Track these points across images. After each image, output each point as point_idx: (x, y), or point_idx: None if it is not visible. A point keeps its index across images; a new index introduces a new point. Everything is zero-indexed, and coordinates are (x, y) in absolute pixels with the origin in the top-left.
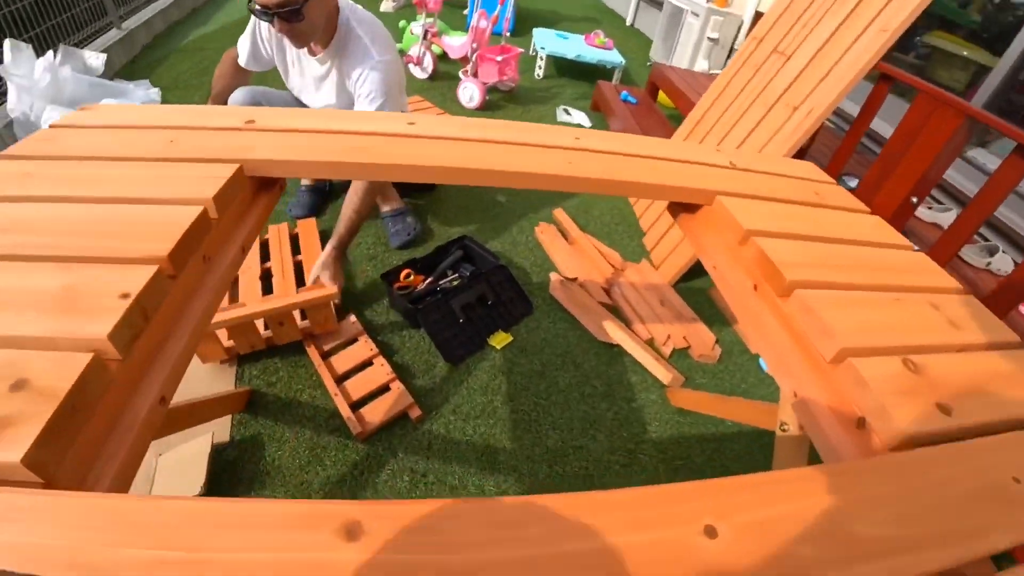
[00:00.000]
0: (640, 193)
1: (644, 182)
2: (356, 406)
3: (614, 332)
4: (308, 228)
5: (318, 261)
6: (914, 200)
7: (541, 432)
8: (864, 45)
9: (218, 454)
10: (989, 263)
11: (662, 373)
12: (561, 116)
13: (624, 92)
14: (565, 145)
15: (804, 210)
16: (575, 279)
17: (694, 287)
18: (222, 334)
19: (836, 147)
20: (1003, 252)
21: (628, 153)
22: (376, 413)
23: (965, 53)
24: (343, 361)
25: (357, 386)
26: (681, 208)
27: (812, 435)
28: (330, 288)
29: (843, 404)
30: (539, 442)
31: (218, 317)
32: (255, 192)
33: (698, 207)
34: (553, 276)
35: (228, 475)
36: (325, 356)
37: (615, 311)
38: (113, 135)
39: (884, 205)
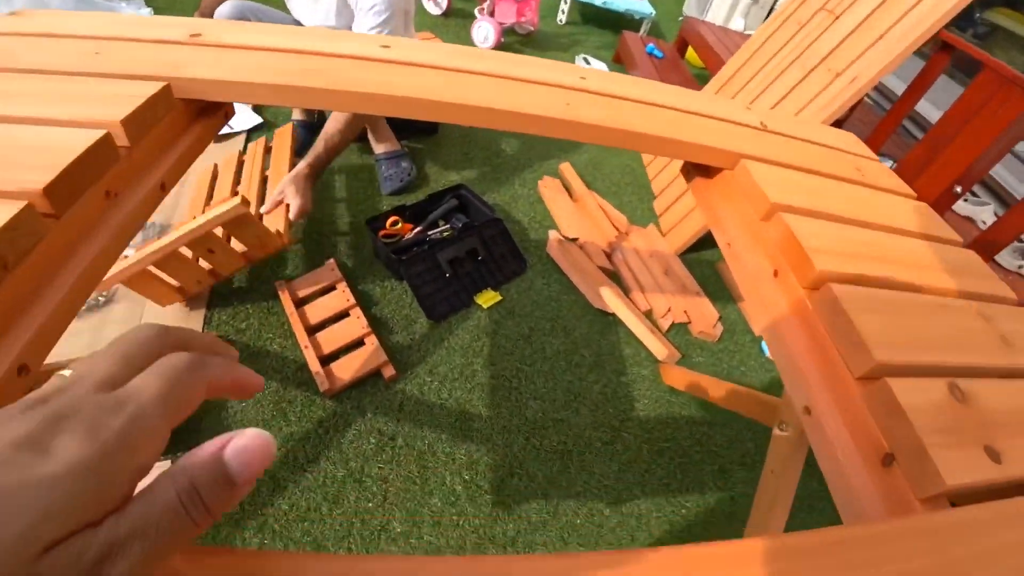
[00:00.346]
0: (649, 147)
1: (654, 134)
2: (327, 360)
3: (611, 300)
4: (282, 138)
5: (285, 177)
6: (957, 190)
7: (521, 401)
8: (927, 8)
9: None
10: (1022, 266)
11: (657, 348)
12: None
13: (651, 45)
14: (566, 84)
15: (842, 187)
16: (575, 239)
17: (702, 258)
18: (162, 274)
19: (874, 124)
20: None
21: (641, 100)
22: (347, 370)
23: None
24: (317, 311)
25: (330, 339)
26: (697, 170)
27: (823, 463)
28: (235, 200)
29: (867, 432)
30: (518, 411)
31: (132, 257)
32: (192, 118)
33: (717, 171)
34: (552, 234)
35: (188, 427)
36: (299, 304)
37: (615, 277)
38: (34, 44)
39: (924, 192)
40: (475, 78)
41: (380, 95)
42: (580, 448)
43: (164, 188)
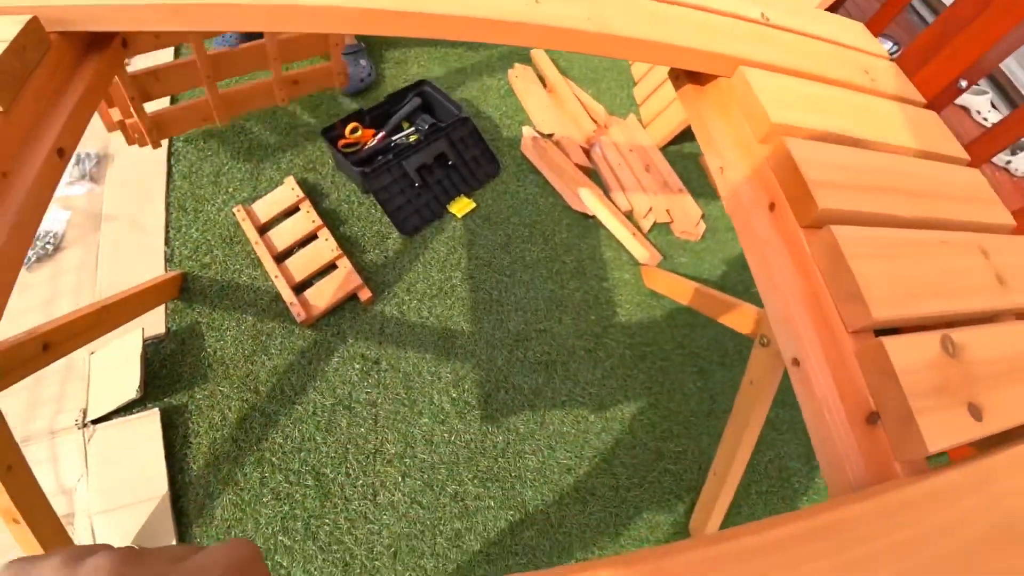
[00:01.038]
0: (635, 54)
1: (640, 38)
2: (300, 288)
3: (590, 201)
4: None
5: None
6: (963, 84)
7: (503, 313)
8: None
9: (156, 348)
10: (1009, 162)
11: (638, 250)
12: None
13: None
14: None
15: (849, 97)
16: (551, 135)
17: (685, 151)
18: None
19: (879, 2)
20: None
21: None
22: (322, 296)
23: None
24: (283, 236)
25: (300, 265)
26: (688, 76)
27: (809, 419)
28: None
29: (855, 387)
30: (500, 324)
31: None
32: (79, 56)
33: (711, 77)
34: (526, 131)
35: (168, 371)
36: (263, 231)
37: (593, 176)
38: None
39: (927, 85)
40: None
41: (301, 7)
42: (564, 357)
43: (63, 154)
